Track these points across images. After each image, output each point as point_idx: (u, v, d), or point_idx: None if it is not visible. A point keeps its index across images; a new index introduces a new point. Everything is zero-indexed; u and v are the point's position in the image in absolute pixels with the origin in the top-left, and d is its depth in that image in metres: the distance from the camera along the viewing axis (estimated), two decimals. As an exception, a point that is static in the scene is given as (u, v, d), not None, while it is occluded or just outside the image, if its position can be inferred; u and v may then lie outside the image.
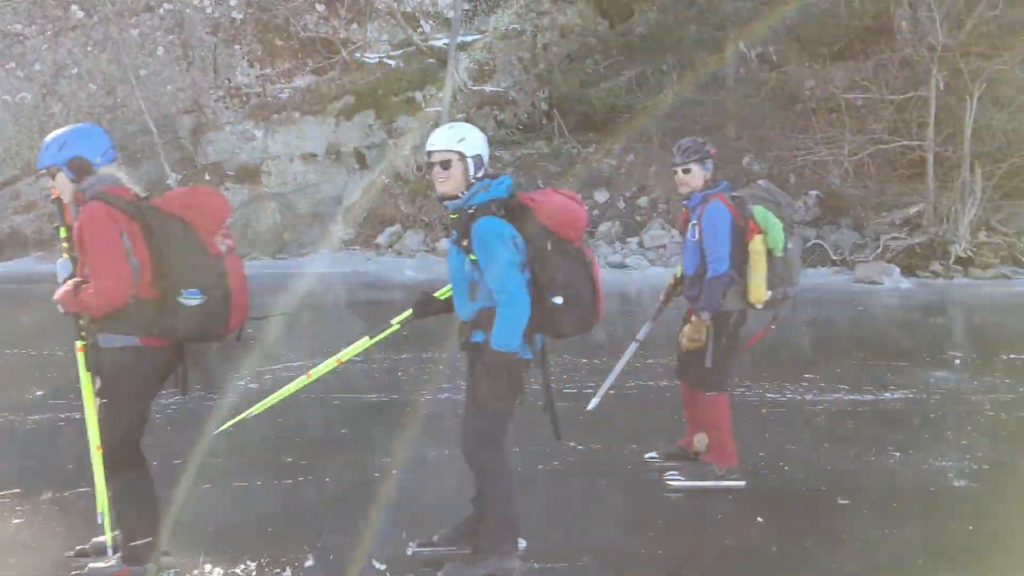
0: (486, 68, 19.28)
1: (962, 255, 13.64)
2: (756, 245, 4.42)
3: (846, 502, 4.54)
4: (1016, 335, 9.73)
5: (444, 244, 16.02)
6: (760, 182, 4.75)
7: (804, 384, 7.00)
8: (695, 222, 4.54)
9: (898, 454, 5.30)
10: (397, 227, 16.61)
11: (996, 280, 13.25)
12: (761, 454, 5.28)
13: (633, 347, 5.16)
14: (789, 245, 4.50)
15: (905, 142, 14.52)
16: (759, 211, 4.46)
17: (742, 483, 4.64)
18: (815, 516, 4.37)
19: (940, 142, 14.13)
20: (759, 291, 4.45)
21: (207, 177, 17.14)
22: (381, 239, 16.52)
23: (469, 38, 19.32)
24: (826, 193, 15.00)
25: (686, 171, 4.57)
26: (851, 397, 6.66)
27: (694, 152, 4.58)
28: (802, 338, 9.52)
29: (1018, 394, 6.69)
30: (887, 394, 6.75)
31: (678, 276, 4.91)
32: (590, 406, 5.12)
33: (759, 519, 4.33)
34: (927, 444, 5.51)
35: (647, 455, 5.05)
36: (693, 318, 4.54)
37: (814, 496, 4.64)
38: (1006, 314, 10.84)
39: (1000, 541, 4.09)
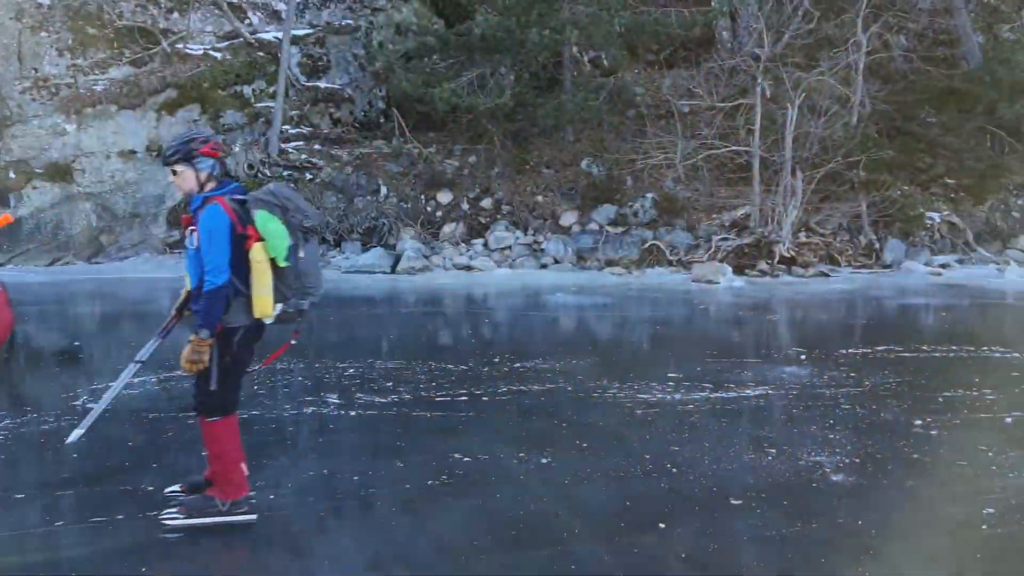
0: (320, 64, 18.66)
1: (786, 255, 14.47)
2: (256, 254, 3.98)
3: (738, 502, 4.59)
4: (843, 329, 10.37)
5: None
6: (270, 185, 4.19)
7: (670, 384, 7.11)
8: (194, 227, 4.04)
9: (773, 451, 5.44)
10: (229, 229, 15.72)
11: (816, 278, 14.13)
12: (647, 456, 5.28)
13: (132, 367, 4.28)
14: (301, 254, 4.08)
15: (734, 147, 15.26)
16: (260, 216, 3.99)
17: (252, 517, 4.20)
18: (713, 518, 4.38)
19: (767, 148, 14.95)
20: (265, 304, 4.01)
21: (12, 176, 15.58)
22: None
23: (301, 32, 18.62)
24: (661, 196, 15.52)
25: (174, 172, 4.12)
26: (717, 395, 6.82)
27: (177, 151, 4.06)
28: (656, 338, 9.74)
29: (865, 387, 7.07)
30: (748, 391, 6.96)
31: (190, 289, 4.21)
32: (70, 439, 4.20)
33: (661, 525, 4.29)
34: (797, 440, 5.69)
35: (168, 489, 4.47)
36: (192, 336, 3.98)
37: (707, 498, 4.66)
38: (830, 310, 11.54)
39: (889, 533, 4.24)
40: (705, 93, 15.94)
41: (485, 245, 15.28)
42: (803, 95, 14.59)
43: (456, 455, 5.25)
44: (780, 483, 4.90)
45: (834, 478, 4.99)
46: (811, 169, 14.90)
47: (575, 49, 17.84)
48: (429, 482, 4.82)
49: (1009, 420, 6.15)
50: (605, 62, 19.01)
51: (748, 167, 15.11)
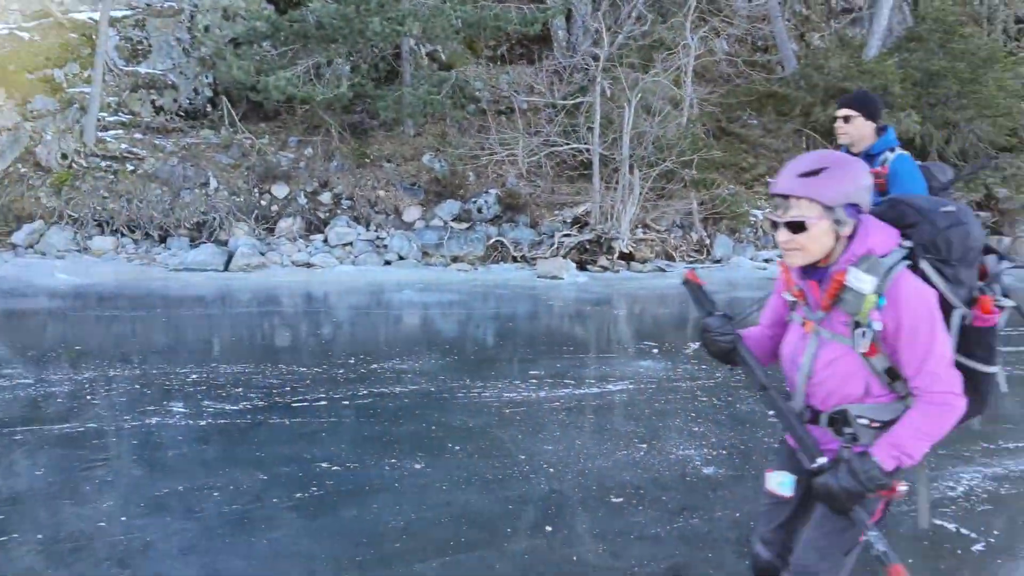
0: (140, 48, 17.42)
1: (625, 251, 14.84)
2: None
3: (619, 500, 4.55)
4: (688, 323, 10.71)
5: (97, 243, 14.21)
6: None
7: (533, 381, 7.05)
8: None
9: (644, 446, 5.46)
10: (39, 223, 14.39)
11: (654, 273, 14.58)
12: (523, 457, 5.17)
13: None
14: None
15: (574, 145, 15.49)
16: None
17: None
18: (598, 518, 4.31)
19: (606, 146, 15.26)
20: None
21: None
22: (18, 238, 14.21)
23: (119, 12, 17.31)
24: (505, 192, 15.53)
25: None
26: (581, 391, 6.81)
27: None
28: (510, 335, 9.67)
29: (717, 380, 7.27)
30: (610, 386, 7.01)
31: None
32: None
33: (548, 528, 4.18)
34: (665, 434, 5.75)
35: None
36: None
37: (588, 497, 4.60)
38: (671, 304, 11.91)
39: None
40: (546, 90, 16.09)
41: (325, 241, 14.75)
42: (639, 95, 15.00)
43: (323, 464, 4.94)
44: (656, 478, 4.91)
45: (706, 471, 5.06)
46: (647, 168, 15.35)
47: (412, 41, 17.58)
48: (298, 495, 4.50)
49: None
50: (443, 55, 18.86)
51: (589, 165, 15.38)
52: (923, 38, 17.51)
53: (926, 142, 16.86)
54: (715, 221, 16.16)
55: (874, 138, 4.36)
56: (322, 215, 15.33)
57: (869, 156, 4.29)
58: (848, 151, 4.36)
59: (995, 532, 4.27)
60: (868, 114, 4.36)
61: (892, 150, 4.30)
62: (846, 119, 4.38)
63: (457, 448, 5.31)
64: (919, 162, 4.38)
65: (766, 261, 15.60)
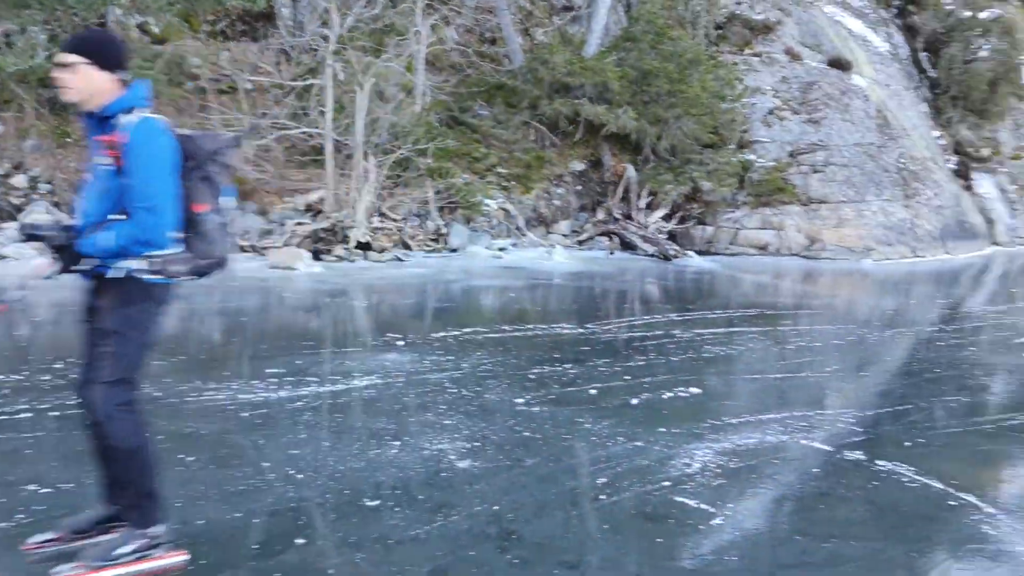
0: None
1: (361, 240, 14.51)
2: None
3: (375, 503, 4.33)
4: (430, 313, 10.66)
5: None
6: None
7: (273, 380, 6.60)
8: None
9: (396, 443, 5.26)
10: None
11: (392, 262, 14.39)
12: (266, 464, 4.77)
13: None
14: None
15: (306, 129, 14.88)
16: None
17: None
18: (352, 524, 4.06)
19: (341, 131, 14.80)
20: None
21: None
22: None
23: None
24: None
25: None
26: (325, 389, 6.48)
27: None
28: (243, 330, 9.07)
29: (464, 370, 7.24)
30: (356, 382, 6.73)
31: None
32: None
33: (299, 540, 3.86)
34: (416, 429, 5.59)
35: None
36: None
37: (341, 502, 4.33)
38: (411, 294, 11.81)
39: (526, 515, 4.28)
40: (273, 70, 15.31)
41: (20, 229, 13.04)
42: (372, 80, 14.70)
43: (32, 487, 4.26)
44: (410, 477, 4.73)
45: (460, 465, 4.96)
46: (383, 155, 15.10)
47: (120, 11, 16.06)
48: (2, 524, 3.82)
49: (593, 392, 6.69)
50: (156, 28, 17.41)
51: (321, 150, 14.85)
52: (637, 38, 18.68)
53: (641, 137, 18.05)
54: (451, 210, 16.27)
55: (114, 94, 3.28)
56: (15, 200, 13.56)
57: (103, 119, 3.29)
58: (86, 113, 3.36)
59: (730, 505, 4.53)
60: (100, 61, 3.25)
61: (132, 111, 3.27)
62: (68, 67, 3.22)
63: (191, 459, 4.80)
64: (187, 132, 3.47)
65: (501, 250, 15.95)
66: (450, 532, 4.03)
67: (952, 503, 4.67)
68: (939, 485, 4.89)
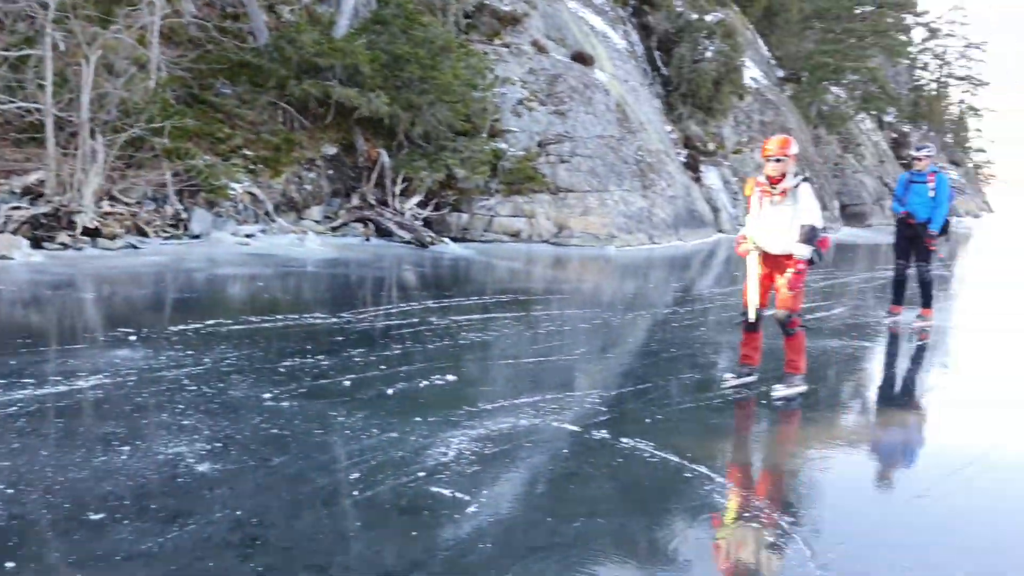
0: None
1: (89, 225, 13.25)
2: None
3: (100, 516, 3.93)
4: (167, 305, 9.92)
5: None
6: None
7: (-21, 384, 5.82)
8: None
9: (127, 448, 4.82)
10: None
11: (125, 250, 13.26)
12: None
13: None
14: None
15: (22, 104, 13.30)
16: None
17: None
18: (73, 541, 3.65)
19: (62, 107, 13.38)
20: None
21: None
22: None
23: None
24: (-73, 154, 12.80)
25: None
26: (44, 391, 5.80)
27: None
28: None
29: (206, 365, 6.78)
30: (81, 382, 6.08)
31: None
32: None
33: (9, 564, 3.39)
34: (151, 432, 5.16)
35: None
36: None
37: (60, 518, 3.89)
38: (147, 284, 10.94)
39: (271, 519, 4.04)
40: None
41: None
42: (98, 52, 13.42)
43: None
44: (143, 485, 4.34)
45: (200, 468, 4.62)
46: (113, 133, 13.86)
47: None
48: None
49: (347, 383, 6.50)
50: None
51: (41, 127, 13.36)
52: (387, 21, 18.41)
53: (394, 123, 17.88)
54: (192, 194, 15.26)
55: None
56: None
57: None
58: None
59: (484, 491, 4.55)
60: None
61: None
62: None
63: None
64: None
65: (248, 236, 15.20)
66: (186, 543, 3.73)
67: (687, 475, 4.98)
68: (675, 459, 5.20)
